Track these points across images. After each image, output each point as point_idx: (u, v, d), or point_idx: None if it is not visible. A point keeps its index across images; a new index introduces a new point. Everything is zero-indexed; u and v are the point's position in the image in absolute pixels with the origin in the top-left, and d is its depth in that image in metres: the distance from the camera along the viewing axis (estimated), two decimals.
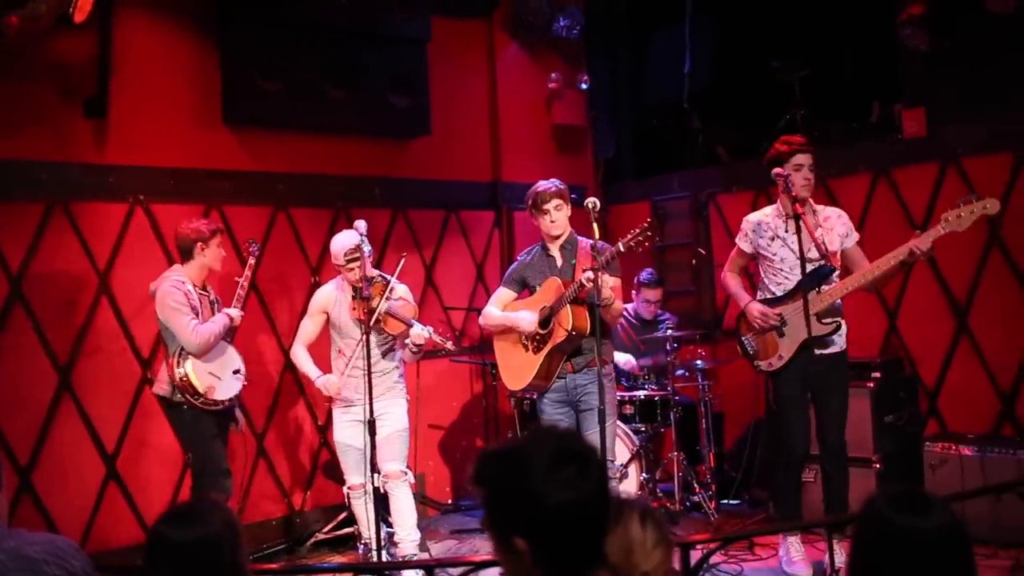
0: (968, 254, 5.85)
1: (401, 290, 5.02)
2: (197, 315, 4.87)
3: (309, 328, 5.22)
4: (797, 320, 4.64)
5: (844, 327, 4.83)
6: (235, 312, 5.07)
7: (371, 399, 4.51)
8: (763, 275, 5.00)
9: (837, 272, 4.82)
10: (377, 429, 4.59)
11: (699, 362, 6.39)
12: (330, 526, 6.02)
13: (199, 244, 4.96)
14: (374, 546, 4.64)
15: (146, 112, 5.74)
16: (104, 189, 5.60)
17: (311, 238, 6.39)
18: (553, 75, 7.48)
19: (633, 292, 6.67)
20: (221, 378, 4.92)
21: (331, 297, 5.14)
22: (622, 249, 4.52)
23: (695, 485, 6.20)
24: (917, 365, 6.15)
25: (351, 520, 5.56)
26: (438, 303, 7.00)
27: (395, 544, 5.06)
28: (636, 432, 6.19)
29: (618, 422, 5.56)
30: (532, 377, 4.86)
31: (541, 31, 7.27)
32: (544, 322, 4.82)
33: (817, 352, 4.65)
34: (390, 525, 5.12)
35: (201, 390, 4.82)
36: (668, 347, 6.30)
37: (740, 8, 7.34)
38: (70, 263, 5.49)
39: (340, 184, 6.53)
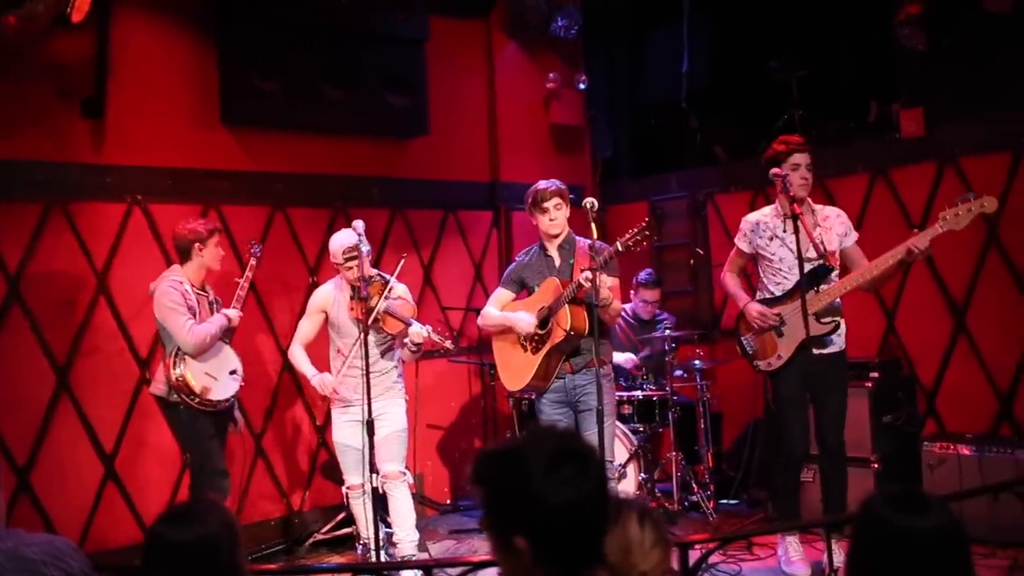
0: (966, 254, 5.86)
1: (400, 289, 5.02)
2: (194, 315, 4.87)
3: (307, 328, 5.22)
4: (796, 320, 4.64)
5: (843, 327, 4.83)
6: (233, 313, 5.06)
7: (369, 399, 4.51)
8: (762, 275, 5.01)
9: (836, 272, 4.82)
10: (376, 429, 4.59)
11: (697, 362, 6.39)
12: (329, 526, 6.02)
13: (197, 244, 4.95)
14: (373, 546, 4.64)
15: (144, 112, 5.73)
16: (102, 189, 5.60)
17: (309, 238, 6.38)
18: (551, 75, 7.48)
19: (631, 292, 6.68)
20: (217, 378, 4.92)
21: (330, 297, 5.14)
22: (620, 249, 4.52)
23: (693, 485, 6.21)
24: (915, 365, 6.15)
25: (350, 520, 5.56)
26: (436, 303, 6.99)
27: (394, 544, 5.06)
28: (634, 432, 6.19)
29: (616, 422, 5.56)
30: (531, 378, 4.86)
31: (539, 31, 7.27)
32: (542, 322, 4.82)
33: (816, 352, 4.65)
34: (389, 525, 5.12)
35: (197, 390, 4.82)
36: (666, 347, 6.30)
37: (738, 8, 7.34)
38: (68, 263, 5.48)
39: (338, 184, 6.53)
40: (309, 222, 6.40)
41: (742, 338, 5.03)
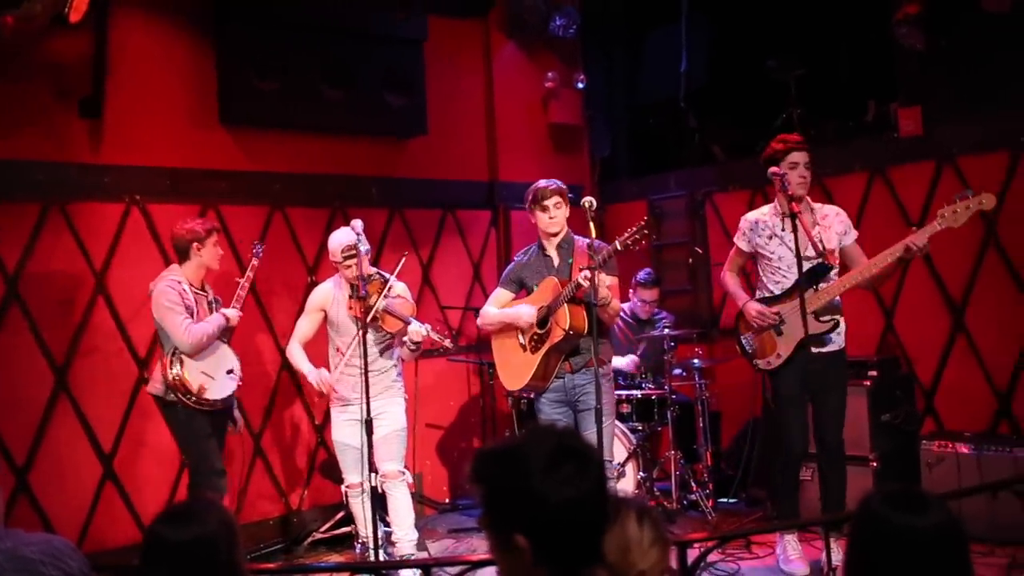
0: (964, 252, 5.86)
1: (399, 288, 5.02)
2: (192, 315, 4.87)
3: (305, 326, 5.22)
4: (795, 319, 4.64)
5: (843, 325, 4.84)
6: (232, 312, 5.06)
7: (368, 398, 4.51)
8: (761, 274, 5.01)
9: (835, 270, 4.82)
10: (375, 428, 4.59)
11: (696, 361, 6.39)
12: (327, 525, 6.01)
13: (195, 244, 4.95)
14: (372, 545, 4.64)
15: (142, 112, 5.73)
16: (100, 189, 5.60)
17: (308, 238, 6.38)
18: (549, 74, 7.48)
19: (630, 292, 6.68)
20: (214, 378, 4.91)
21: (329, 295, 5.14)
22: (619, 248, 4.52)
23: (692, 484, 6.21)
24: (913, 364, 6.16)
25: (348, 519, 5.56)
26: (435, 302, 6.99)
27: (392, 543, 5.06)
28: (633, 431, 6.19)
29: (615, 421, 5.55)
30: (530, 377, 4.85)
31: (537, 30, 7.27)
32: (542, 322, 4.82)
33: (815, 351, 4.65)
34: (388, 524, 5.12)
35: (194, 389, 4.81)
36: (665, 346, 6.30)
37: (736, 7, 7.34)
38: (66, 263, 5.48)
39: (337, 184, 6.53)
40: (308, 222, 6.40)
41: (742, 337, 5.03)
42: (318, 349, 5.24)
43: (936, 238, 4.55)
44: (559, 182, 4.90)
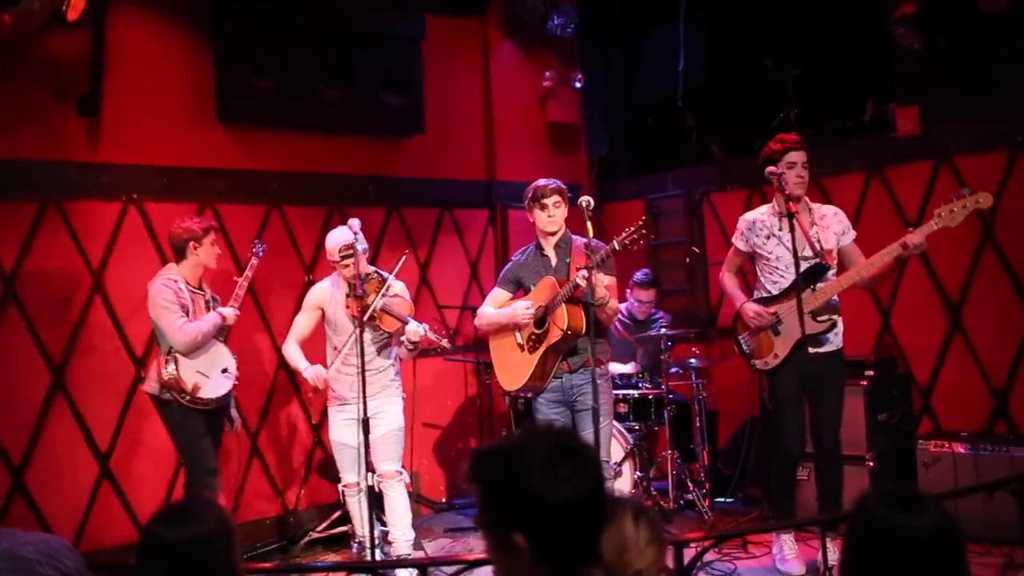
0: (961, 252, 5.87)
1: (397, 287, 5.02)
2: (188, 313, 4.86)
3: (302, 324, 5.21)
4: (792, 319, 4.64)
5: (840, 325, 4.83)
6: (228, 311, 5.04)
7: (364, 397, 4.51)
8: (759, 274, 5.01)
9: (833, 270, 4.82)
10: (372, 428, 4.58)
11: (693, 360, 6.40)
12: (324, 525, 6.01)
13: (192, 243, 4.94)
14: (368, 545, 4.64)
15: (140, 110, 5.72)
16: (97, 188, 5.59)
17: (305, 236, 6.38)
18: (547, 73, 7.47)
19: (627, 292, 6.68)
20: (209, 376, 4.90)
21: (326, 293, 5.13)
22: (616, 247, 4.52)
23: (689, 483, 6.21)
24: (910, 363, 6.16)
25: (345, 519, 5.56)
26: (432, 301, 6.99)
27: (389, 543, 5.05)
28: (630, 430, 6.19)
29: (613, 421, 5.55)
30: (528, 377, 4.84)
31: (535, 29, 7.27)
32: (539, 322, 4.81)
33: (812, 351, 4.65)
34: (384, 524, 5.12)
35: (188, 388, 4.80)
36: (662, 345, 6.30)
37: (734, 6, 7.34)
38: (63, 262, 5.47)
39: (334, 182, 6.52)
40: (305, 221, 6.40)
41: (739, 337, 5.03)
42: (317, 349, 5.23)
43: (933, 238, 4.56)
44: (559, 181, 4.90)
